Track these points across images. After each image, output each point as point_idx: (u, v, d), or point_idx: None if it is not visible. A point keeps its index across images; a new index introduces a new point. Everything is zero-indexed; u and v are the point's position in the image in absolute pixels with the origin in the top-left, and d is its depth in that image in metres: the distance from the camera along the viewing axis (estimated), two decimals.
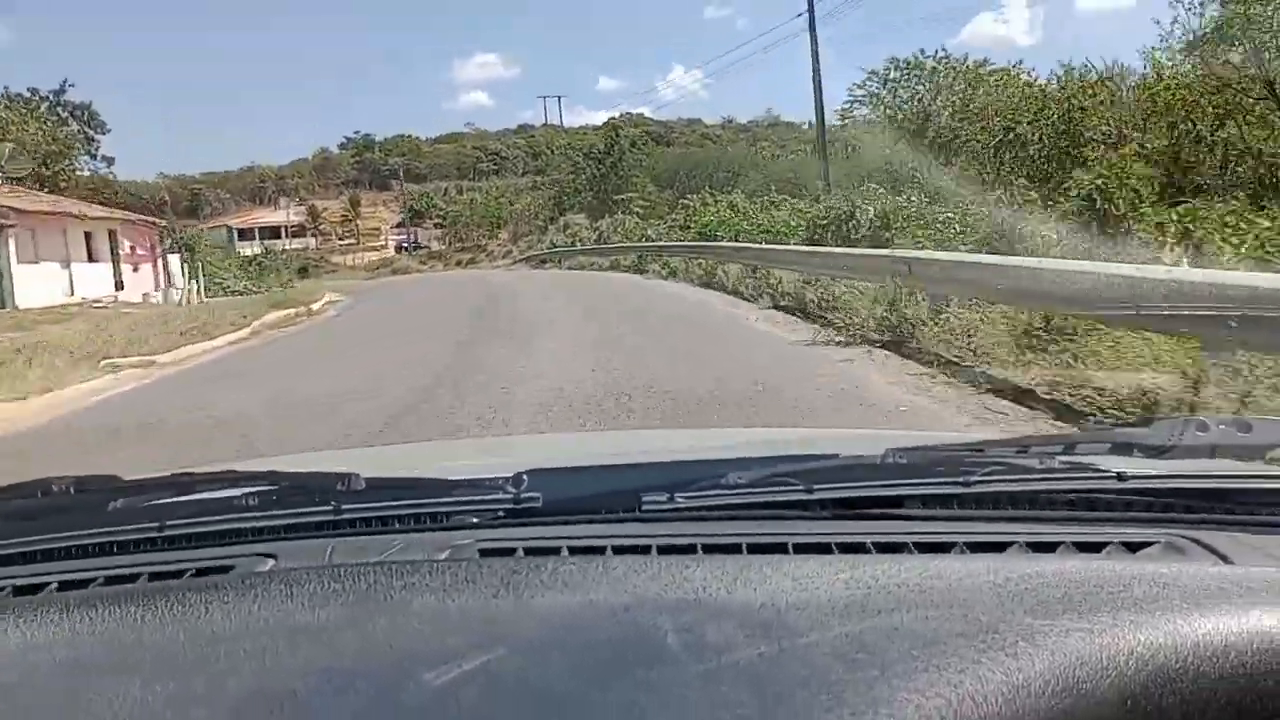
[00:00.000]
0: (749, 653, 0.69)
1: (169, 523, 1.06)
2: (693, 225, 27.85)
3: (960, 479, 1.08)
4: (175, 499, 1.13)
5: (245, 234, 75.45)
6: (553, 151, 77.20)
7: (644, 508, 1.06)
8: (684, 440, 2.51)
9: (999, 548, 0.97)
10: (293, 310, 21.34)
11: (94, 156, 51.87)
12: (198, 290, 32.09)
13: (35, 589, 0.98)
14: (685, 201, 30.35)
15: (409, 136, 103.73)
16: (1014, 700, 0.63)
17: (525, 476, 1.08)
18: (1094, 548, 0.97)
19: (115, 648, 0.79)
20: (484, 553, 1.00)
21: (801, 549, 0.97)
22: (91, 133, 51.67)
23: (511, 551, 1.00)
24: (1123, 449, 1.15)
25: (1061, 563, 0.90)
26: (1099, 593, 0.77)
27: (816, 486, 1.07)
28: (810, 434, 2.92)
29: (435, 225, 73.78)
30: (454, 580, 0.85)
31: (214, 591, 0.85)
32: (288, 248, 71.32)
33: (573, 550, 0.98)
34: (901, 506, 1.08)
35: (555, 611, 0.80)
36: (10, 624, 0.82)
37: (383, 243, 75.85)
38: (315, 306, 23.58)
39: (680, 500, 1.06)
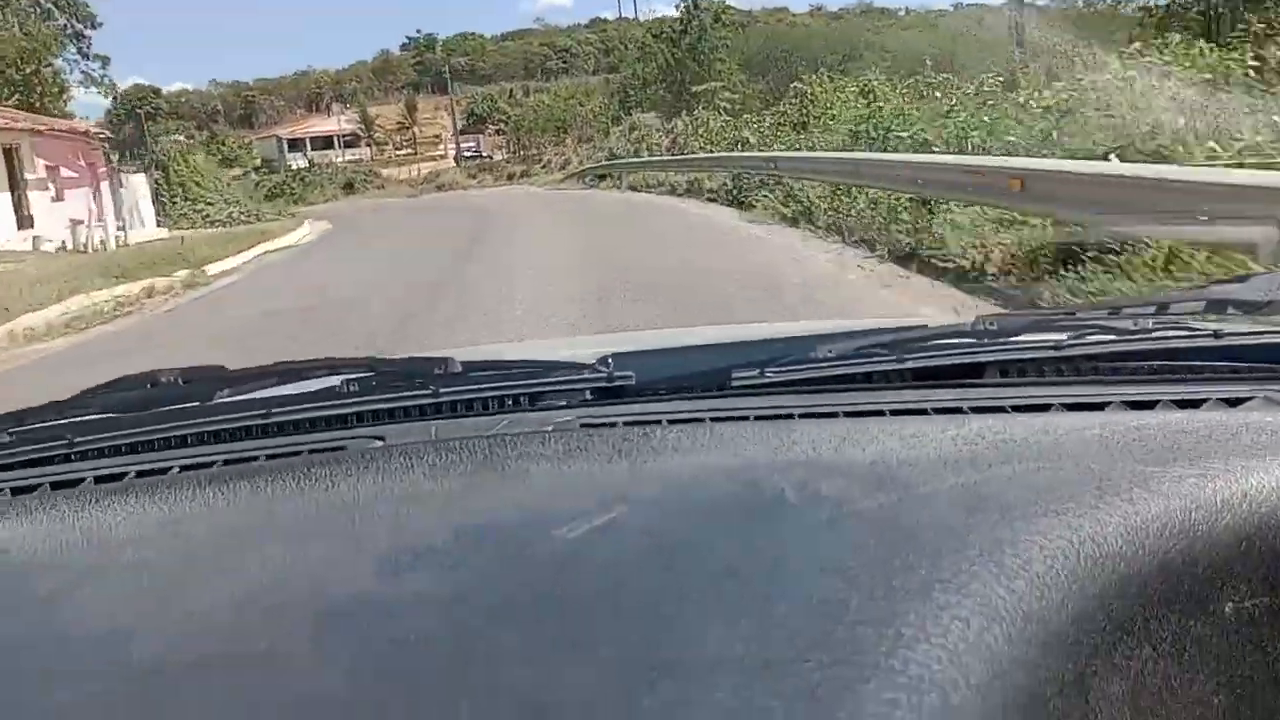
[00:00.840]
0: (868, 503, 0.68)
1: (275, 410, 1.05)
2: (815, 123, 17.43)
3: (1051, 342, 1.02)
4: (279, 387, 1.12)
5: (296, 144, 67.26)
6: (627, 46, 66.35)
7: (734, 383, 1.02)
8: (769, 329, 2.11)
9: (1098, 407, 0.91)
10: (139, 288, 11.80)
11: (85, 56, 42.15)
12: (124, 228, 22.44)
13: (159, 473, 0.97)
14: (799, 86, 19.74)
15: (473, 35, 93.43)
16: (1133, 541, 0.63)
17: (613, 359, 1.06)
18: (1193, 404, 0.91)
19: (250, 518, 0.81)
20: (585, 426, 0.97)
21: (899, 414, 0.93)
22: (81, 27, 42.10)
23: (613, 425, 0.96)
24: (1217, 306, 1.10)
25: (1164, 416, 0.87)
26: (1206, 441, 0.76)
27: (907, 355, 1.03)
28: (895, 321, 2.26)
29: (496, 132, 64.84)
30: (565, 449, 0.85)
31: (335, 465, 0.86)
32: (338, 159, 62.69)
33: (672, 422, 0.95)
34: (993, 373, 1.03)
35: (669, 473, 0.81)
36: (145, 502, 0.83)
37: (442, 151, 66.16)
38: (217, 268, 14.07)
39: (770, 374, 1.02)
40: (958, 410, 0.92)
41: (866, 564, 0.60)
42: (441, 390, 1.05)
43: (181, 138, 70.00)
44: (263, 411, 1.04)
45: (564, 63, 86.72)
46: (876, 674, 0.50)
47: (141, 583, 0.70)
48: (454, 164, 58.63)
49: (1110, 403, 0.92)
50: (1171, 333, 1.03)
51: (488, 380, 1.08)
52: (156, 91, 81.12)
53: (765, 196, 12.54)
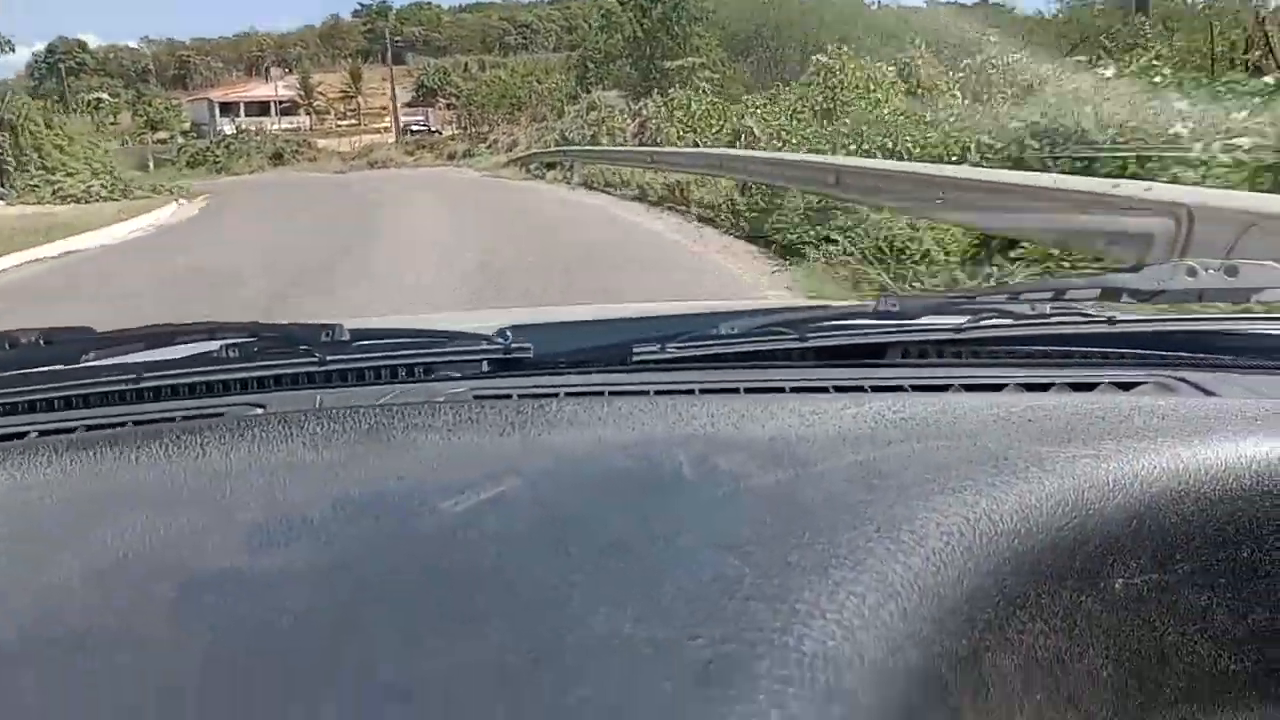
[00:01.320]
0: (765, 479, 0.66)
1: (146, 375, 0.97)
2: (843, 110, 12.08)
3: (951, 325, 1.03)
4: (152, 351, 1.04)
5: (229, 109, 60.95)
6: (589, 24, 60.76)
7: (635, 358, 1.00)
8: (671, 306, 2.20)
9: (995, 389, 0.93)
10: None
11: None
12: None
13: (14, 437, 0.90)
14: (824, 60, 13.98)
15: (429, 5, 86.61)
16: (1027, 519, 0.63)
17: (511, 331, 1.02)
18: (1087, 388, 0.93)
19: (112, 485, 0.74)
20: (479, 398, 0.93)
21: (799, 390, 0.92)
22: None
23: (508, 397, 0.92)
24: (1112, 294, 1.10)
25: (1059, 398, 0.88)
26: (1100, 423, 0.75)
27: (809, 334, 1.02)
28: (798, 302, 2.53)
29: (447, 106, 59.03)
30: (456, 420, 0.79)
31: (209, 433, 0.79)
32: (274, 127, 56.38)
33: (569, 394, 0.91)
34: (894, 353, 1.03)
35: (563, 447, 0.76)
36: None
37: (388, 124, 60.02)
38: None
39: (672, 350, 1.00)
40: (858, 389, 0.90)
41: (761, 540, 0.58)
42: (328, 358, 0.99)
43: (106, 96, 63.20)
44: (133, 376, 0.97)
45: (524, 39, 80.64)
46: (770, 651, 0.48)
47: None
48: (396, 138, 52.51)
49: (1007, 384, 0.91)
50: (1067, 318, 1.03)
51: (377, 350, 1.02)
52: (83, 45, 73.48)
53: (829, 243, 6.57)
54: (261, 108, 62.30)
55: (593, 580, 0.55)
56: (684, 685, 0.47)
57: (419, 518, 0.63)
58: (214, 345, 1.00)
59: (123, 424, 0.90)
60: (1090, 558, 0.64)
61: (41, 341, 1.02)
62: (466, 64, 66.47)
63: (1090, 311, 1.05)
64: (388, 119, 60.61)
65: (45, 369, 0.98)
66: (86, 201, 22.41)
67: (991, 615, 0.58)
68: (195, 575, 0.58)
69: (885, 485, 0.64)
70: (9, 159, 23.46)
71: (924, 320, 1.06)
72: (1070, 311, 1.05)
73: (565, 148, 20.23)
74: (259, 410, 0.92)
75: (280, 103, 63.31)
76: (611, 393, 0.90)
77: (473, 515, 0.62)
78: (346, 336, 1.02)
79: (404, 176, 27.65)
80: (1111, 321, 1.01)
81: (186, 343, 1.05)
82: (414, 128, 55.21)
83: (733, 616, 0.51)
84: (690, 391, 0.91)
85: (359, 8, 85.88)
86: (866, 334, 1.03)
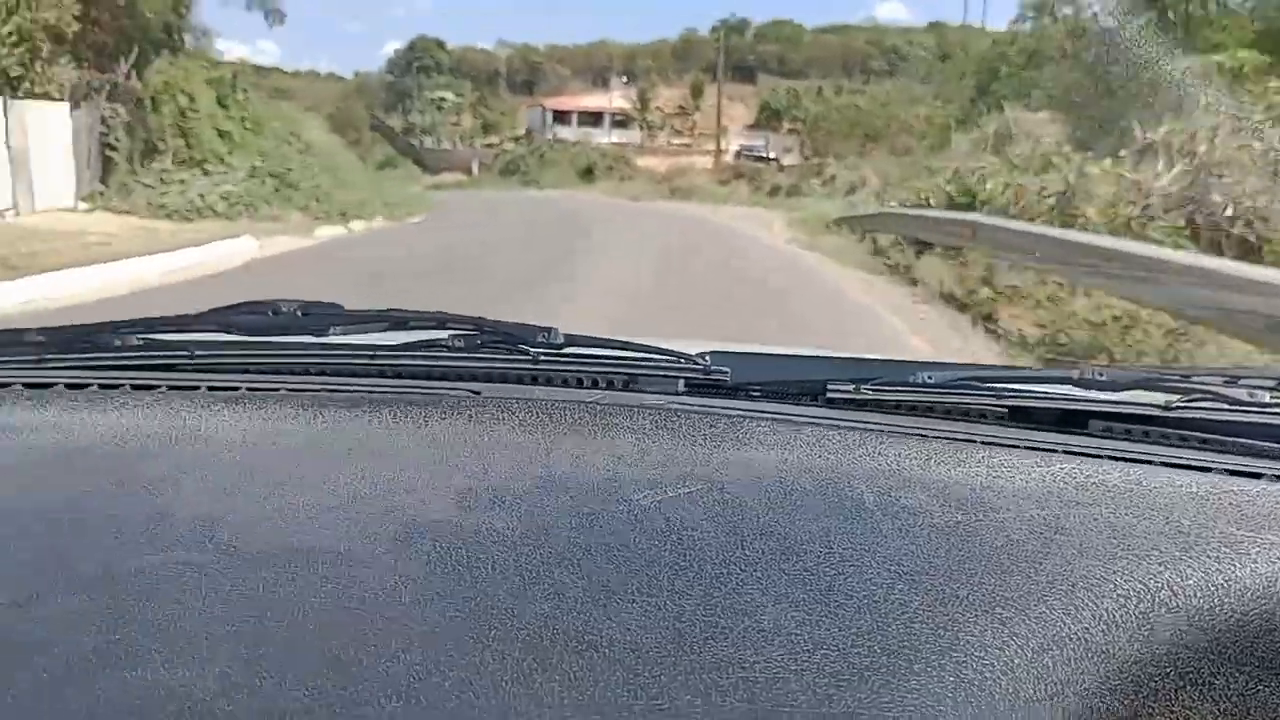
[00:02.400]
0: (944, 519, 0.66)
1: (380, 353, 1.03)
2: None
3: (1159, 402, 0.93)
4: (388, 333, 1.09)
5: (563, 117, 54.60)
6: (968, 56, 47.74)
7: (829, 394, 0.97)
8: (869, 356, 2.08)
9: (1198, 470, 0.84)
10: None
11: None
12: None
13: (269, 390, 0.96)
14: None
15: (788, 22, 76.73)
16: (1212, 598, 0.60)
17: (710, 356, 1.02)
18: None
19: (345, 440, 0.80)
20: (676, 410, 0.94)
21: (988, 444, 0.86)
22: None
23: (704, 414, 0.92)
24: None
25: (1265, 485, 0.80)
26: None
27: (1006, 393, 0.95)
28: (1003, 364, 2.38)
29: (790, 131, 49.01)
30: (653, 426, 0.83)
31: (430, 408, 0.86)
32: (604, 140, 49.07)
33: (762, 419, 0.90)
34: (1094, 425, 0.94)
35: (752, 463, 0.77)
36: (253, 412, 0.84)
37: (724, 146, 50.65)
38: None
39: (866, 392, 0.96)
40: (1050, 451, 0.84)
41: (933, 572, 0.59)
42: (541, 358, 1.01)
43: (450, 95, 59.08)
44: (369, 354, 1.02)
45: (889, 65, 68.55)
46: (927, 671, 0.49)
47: (240, 478, 0.71)
48: (714, 163, 42.78)
49: (1212, 468, 0.83)
50: None
51: (587, 357, 1.04)
52: (440, 44, 70.35)
53: None
54: (595, 118, 55.57)
55: (767, 578, 0.57)
56: (836, 684, 0.48)
57: (612, 503, 0.66)
58: (442, 334, 1.03)
59: (357, 393, 0.93)
60: (1275, 649, 0.60)
61: (299, 312, 1.05)
62: (820, 87, 55.86)
63: None
64: (726, 140, 51.35)
65: (299, 338, 1.02)
66: (186, 217, 14.14)
67: (1159, 685, 0.56)
68: (412, 520, 0.63)
69: (1065, 541, 0.62)
70: (118, 142, 15.35)
71: (1130, 394, 0.96)
72: None
73: (974, 218, 8.56)
74: (475, 398, 0.93)
75: (614, 114, 56.09)
76: (803, 422, 0.88)
77: (662, 508, 0.65)
78: (561, 340, 1.03)
79: (675, 220, 17.35)
80: None
81: (418, 329, 1.07)
82: (749, 152, 45.51)
83: (896, 634, 0.51)
84: (880, 432, 0.86)
85: (717, 24, 77.83)
86: (1066, 400, 0.94)
